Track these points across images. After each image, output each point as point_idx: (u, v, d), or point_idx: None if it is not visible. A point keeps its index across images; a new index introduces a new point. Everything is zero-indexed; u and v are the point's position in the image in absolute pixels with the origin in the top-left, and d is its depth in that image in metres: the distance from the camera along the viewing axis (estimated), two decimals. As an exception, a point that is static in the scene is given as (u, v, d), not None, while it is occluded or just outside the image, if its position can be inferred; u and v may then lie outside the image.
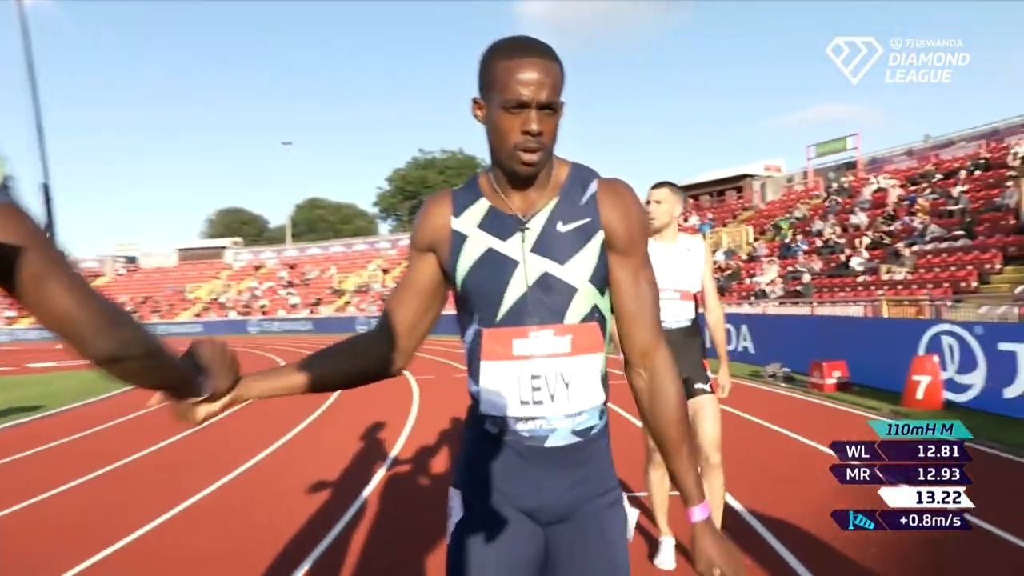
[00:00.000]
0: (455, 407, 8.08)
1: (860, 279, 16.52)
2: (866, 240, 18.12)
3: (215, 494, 4.94)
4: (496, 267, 1.31)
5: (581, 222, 1.32)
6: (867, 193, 21.13)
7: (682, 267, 3.26)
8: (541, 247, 1.31)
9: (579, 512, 1.34)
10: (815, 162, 26.20)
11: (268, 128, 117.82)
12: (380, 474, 5.29)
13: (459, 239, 1.34)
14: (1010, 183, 15.52)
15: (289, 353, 19.50)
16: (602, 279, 1.34)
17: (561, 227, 1.32)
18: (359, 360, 1.38)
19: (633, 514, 1.41)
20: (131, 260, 49.93)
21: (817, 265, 18.58)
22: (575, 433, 1.32)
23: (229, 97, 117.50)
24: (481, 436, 1.37)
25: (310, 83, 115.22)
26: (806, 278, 17.57)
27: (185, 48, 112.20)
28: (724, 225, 26.81)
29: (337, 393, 9.27)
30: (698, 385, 3.29)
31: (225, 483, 5.21)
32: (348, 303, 37.84)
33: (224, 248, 49.88)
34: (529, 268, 1.31)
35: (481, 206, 1.36)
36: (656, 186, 3.41)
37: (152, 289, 45.01)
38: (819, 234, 20.49)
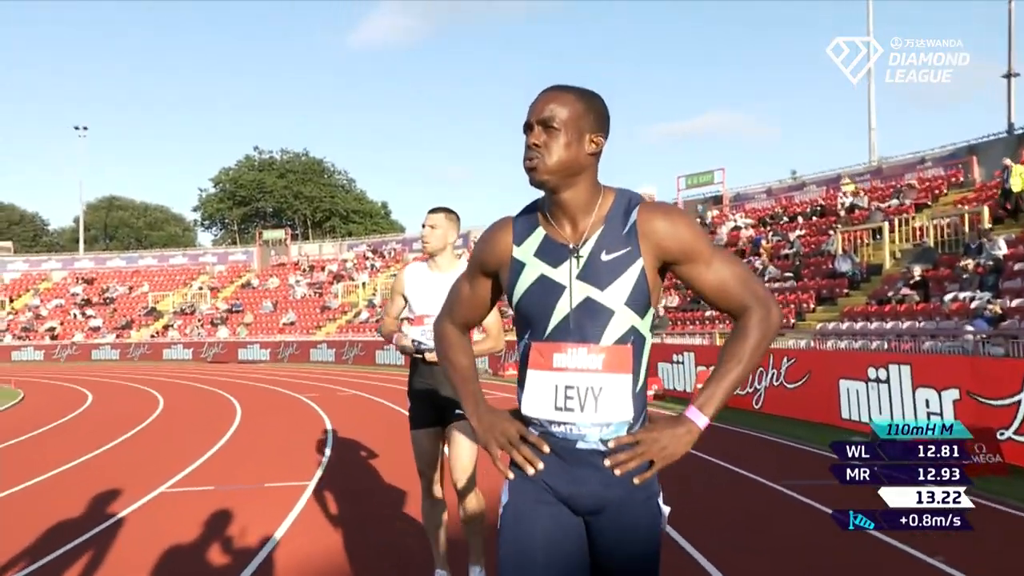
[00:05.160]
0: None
1: (708, 313, 20.06)
2: (716, 277, 21.81)
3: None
4: (546, 291, 1.70)
5: (622, 251, 1.69)
6: (724, 231, 25.13)
7: None
8: (586, 274, 1.68)
9: (612, 506, 1.71)
10: (684, 193, 29.06)
11: (56, 108, 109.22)
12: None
13: (518, 266, 1.75)
14: (831, 231, 19.81)
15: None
16: (642, 303, 1.69)
17: (604, 256, 1.68)
18: (469, 351, 2.02)
19: (666, 510, 1.78)
20: None
21: (674, 300, 22.08)
22: (603, 441, 1.69)
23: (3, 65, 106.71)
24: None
25: (113, 56, 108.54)
26: (661, 311, 20.91)
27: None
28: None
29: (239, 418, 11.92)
30: (458, 411, 3.54)
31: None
32: (168, 327, 36.70)
33: (-17, 255, 44.42)
34: (574, 293, 1.68)
35: (538, 235, 1.76)
36: (433, 211, 3.61)
37: None
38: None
